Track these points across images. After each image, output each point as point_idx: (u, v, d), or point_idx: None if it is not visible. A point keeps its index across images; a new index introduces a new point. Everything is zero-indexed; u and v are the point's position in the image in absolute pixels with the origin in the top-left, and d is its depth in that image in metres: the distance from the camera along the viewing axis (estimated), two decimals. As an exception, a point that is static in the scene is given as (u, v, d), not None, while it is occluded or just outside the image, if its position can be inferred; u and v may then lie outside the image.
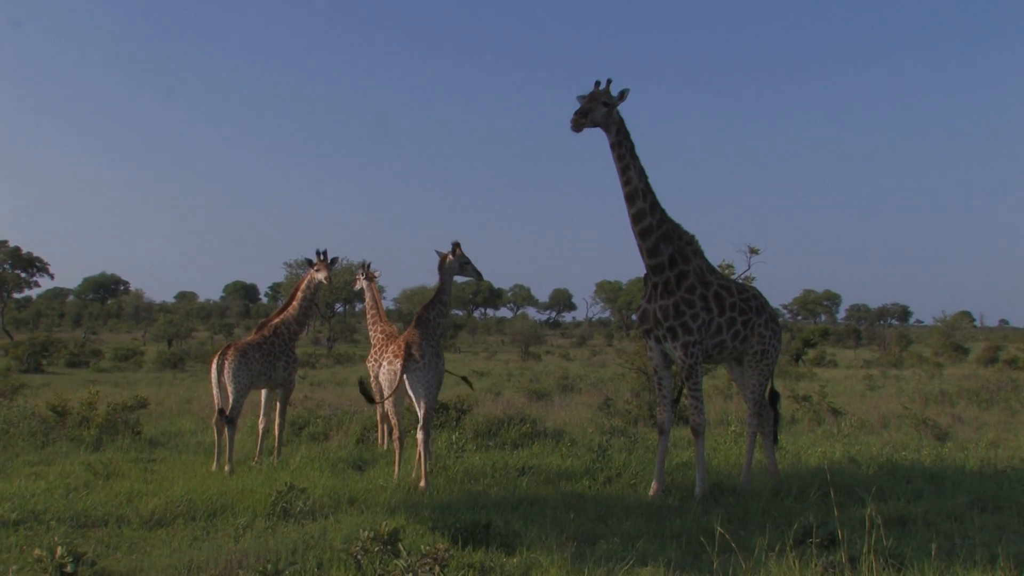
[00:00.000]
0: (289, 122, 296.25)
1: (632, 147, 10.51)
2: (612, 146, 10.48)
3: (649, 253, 10.59)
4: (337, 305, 68.52)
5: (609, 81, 10.33)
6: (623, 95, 10.36)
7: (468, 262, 12.30)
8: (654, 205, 10.58)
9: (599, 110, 10.24)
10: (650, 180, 10.63)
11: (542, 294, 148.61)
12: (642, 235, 10.55)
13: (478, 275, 12.37)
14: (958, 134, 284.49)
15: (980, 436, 16.27)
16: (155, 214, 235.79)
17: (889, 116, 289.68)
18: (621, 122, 10.44)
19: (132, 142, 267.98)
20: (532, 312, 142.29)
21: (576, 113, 10.17)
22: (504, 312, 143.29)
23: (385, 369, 11.55)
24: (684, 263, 10.70)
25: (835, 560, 7.11)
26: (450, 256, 12.29)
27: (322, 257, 13.69)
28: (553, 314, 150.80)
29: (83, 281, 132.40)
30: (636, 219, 10.53)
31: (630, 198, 10.51)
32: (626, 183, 10.50)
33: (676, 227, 10.82)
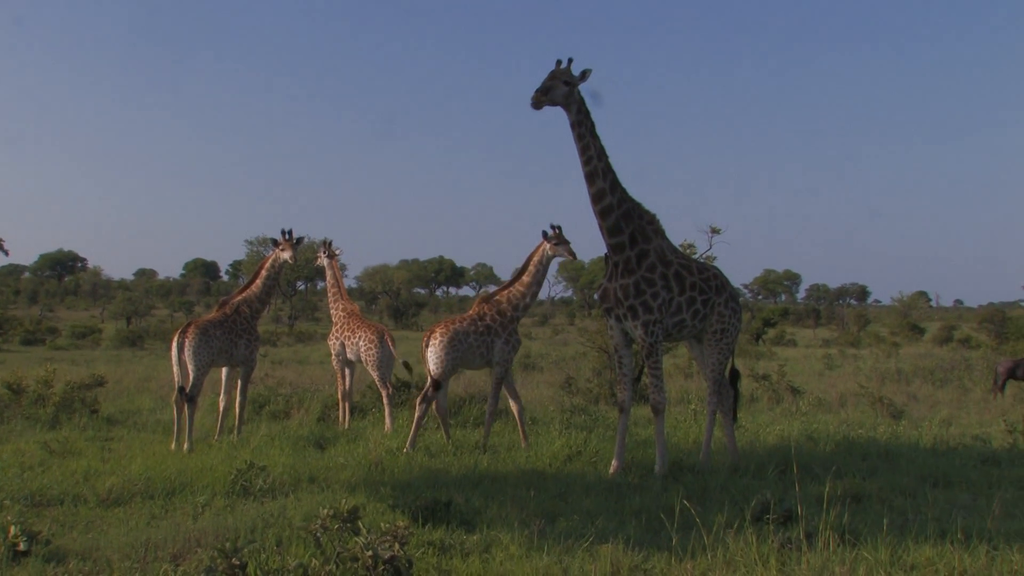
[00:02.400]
0: (248, 99, 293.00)
1: (593, 127, 10.47)
2: (572, 125, 10.43)
3: (610, 232, 10.59)
4: (299, 283, 68.09)
5: (570, 60, 10.28)
6: (584, 75, 10.30)
7: (565, 242, 12.88)
8: (614, 184, 10.56)
9: (559, 89, 10.18)
10: (611, 160, 10.61)
11: (504, 272, 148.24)
12: (602, 214, 10.54)
13: (572, 254, 12.91)
14: (915, 116, 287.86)
15: (934, 414, 16.54)
16: (113, 190, 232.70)
17: (847, 98, 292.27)
18: (581, 101, 10.39)
19: (89, 118, 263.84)
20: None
21: (536, 91, 10.11)
22: (466, 290, 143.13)
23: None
24: (645, 242, 10.72)
25: (792, 536, 7.20)
26: (545, 242, 12.91)
27: (287, 236, 13.60)
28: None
29: (39, 258, 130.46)
30: (596, 198, 10.51)
31: (590, 178, 10.49)
32: (586, 163, 10.47)
33: (637, 206, 10.82)
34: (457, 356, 12.42)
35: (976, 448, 12.44)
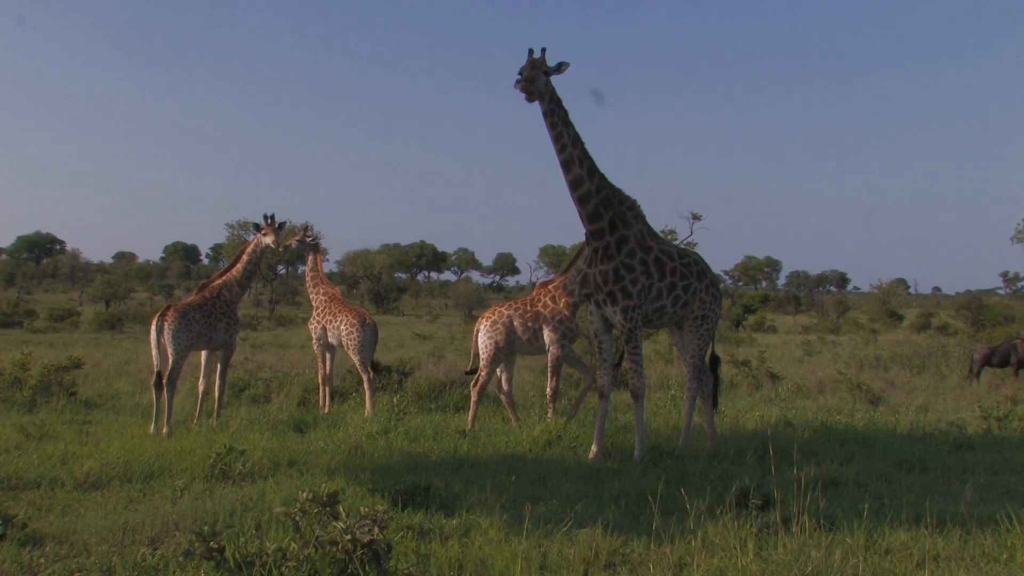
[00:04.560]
0: (231, 83, 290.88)
1: (565, 114, 10.41)
2: (545, 114, 10.38)
3: (589, 218, 10.59)
4: (280, 267, 67.78)
5: (544, 50, 10.25)
6: (561, 67, 10.27)
7: None
8: (592, 171, 10.54)
9: (540, 79, 10.15)
10: (590, 147, 10.59)
11: (486, 258, 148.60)
12: (581, 201, 10.53)
13: None
14: (897, 105, 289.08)
15: (911, 400, 16.68)
16: (92, 172, 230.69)
17: (831, 86, 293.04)
18: (553, 90, 10.32)
19: (68, 95, 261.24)
20: (476, 276, 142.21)
21: (522, 80, 10.03)
22: (448, 275, 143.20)
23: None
24: (625, 228, 10.71)
25: (770, 521, 7.25)
26: None
27: (269, 221, 13.55)
28: (497, 278, 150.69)
29: (17, 240, 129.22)
30: (573, 186, 10.50)
31: (566, 165, 10.46)
32: (560, 150, 10.44)
33: (617, 192, 10.80)
34: (500, 340, 12.75)
35: (951, 434, 12.54)
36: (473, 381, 12.98)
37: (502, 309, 13.04)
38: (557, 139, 10.39)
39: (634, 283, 10.60)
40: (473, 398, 12.77)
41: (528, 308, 12.93)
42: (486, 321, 12.95)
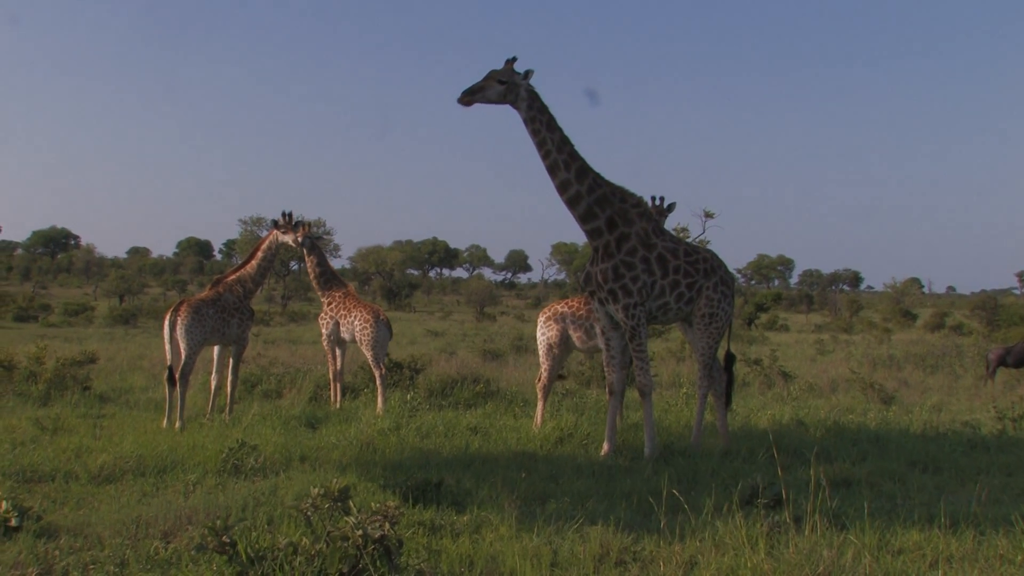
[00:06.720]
0: (244, 81, 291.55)
1: (550, 119, 10.38)
2: (525, 122, 10.39)
3: (581, 219, 10.56)
4: (292, 263, 67.89)
5: (514, 59, 10.28)
6: (528, 74, 10.31)
7: (663, 213, 13.11)
8: (581, 172, 10.49)
9: (493, 88, 10.17)
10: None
11: (498, 255, 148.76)
12: (571, 203, 10.52)
13: None
14: (911, 105, 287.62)
15: (924, 400, 16.59)
16: (107, 167, 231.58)
17: (843, 84, 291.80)
18: (533, 96, 10.32)
19: (84, 96, 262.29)
20: (488, 273, 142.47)
21: (463, 91, 10.16)
22: (460, 272, 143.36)
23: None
24: (626, 226, 10.66)
25: (780, 520, 7.23)
26: None
27: (287, 219, 13.55)
28: (509, 275, 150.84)
29: (32, 235, 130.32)
30: (561, 189, 10.49)
31: (551, 170, 10.45)
32: (545, 156, 10.42)
33: (617, 190, 10.73)
34: (552, 337, 12.77)
35: (965, 434, 12.48)
36: (537, 377, 13.06)
37: (557, 307, 13.01)
38: (540, 145, 10.40)
39: (634, 280, 10.57)
40: (539, 396, 12.82)
41: (582, 306, 12.74)
42: (541, 318, 13.01)
